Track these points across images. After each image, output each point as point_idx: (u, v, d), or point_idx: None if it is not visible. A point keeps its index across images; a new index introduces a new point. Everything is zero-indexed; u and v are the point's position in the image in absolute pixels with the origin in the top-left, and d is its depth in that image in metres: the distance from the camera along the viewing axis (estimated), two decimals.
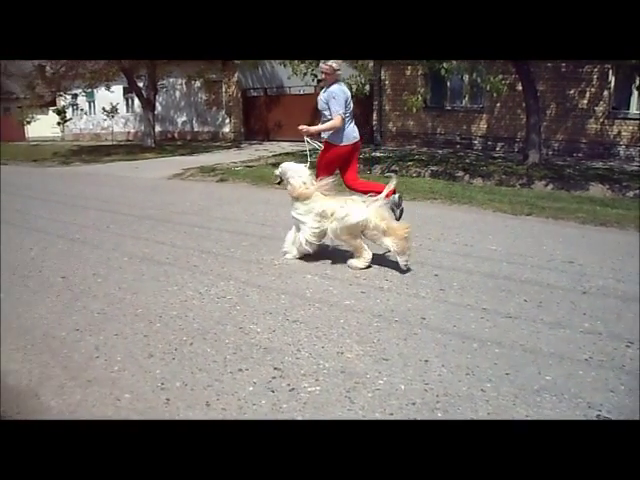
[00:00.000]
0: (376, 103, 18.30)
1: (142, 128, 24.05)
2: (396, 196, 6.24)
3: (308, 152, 6.16)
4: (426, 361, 3.20)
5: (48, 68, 22.37)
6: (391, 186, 5.28)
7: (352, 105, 6.08)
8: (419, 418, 2.65)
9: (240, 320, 3.86)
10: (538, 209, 7.62)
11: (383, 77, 18.00)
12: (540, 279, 4.62)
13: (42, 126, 32.95)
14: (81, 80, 22.69)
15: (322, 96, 6.02)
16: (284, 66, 14.31)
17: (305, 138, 6.21)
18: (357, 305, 4.06)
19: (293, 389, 2.94)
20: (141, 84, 21.21)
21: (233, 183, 10.73)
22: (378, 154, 15.06)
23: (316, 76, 14.17)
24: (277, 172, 5.61)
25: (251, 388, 2.97)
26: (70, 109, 30.27)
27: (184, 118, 26.11)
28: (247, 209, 7.80)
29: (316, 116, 19.20)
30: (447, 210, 7.87)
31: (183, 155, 17.75)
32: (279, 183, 5.63)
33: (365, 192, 5.68)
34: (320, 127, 6.15)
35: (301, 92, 21.39)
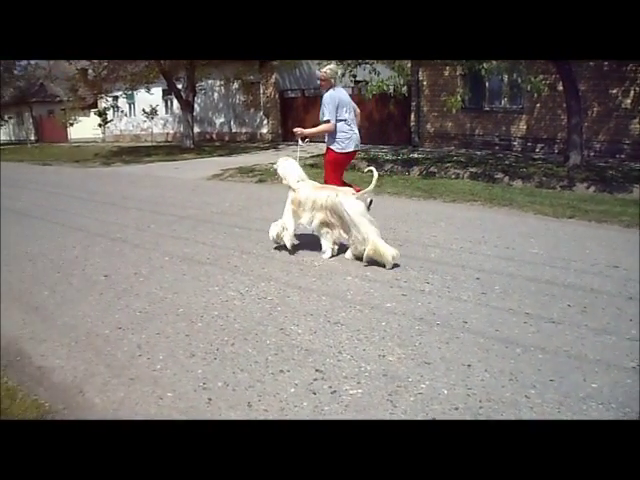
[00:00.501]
0: (414, 104, 18.17)
1: (181, 129, 24.34)
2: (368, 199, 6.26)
3: (299, 152, 6.47)
4: (469, 365, 3.16)
5: (90, 71, 22.82)
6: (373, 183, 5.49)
7: (353, 110, 6.27)
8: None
9: (281, 321, 3.88)
10: (580, 212, 7.46)
11: (421, 78, 17.87)
12: (584, 284, 4.52)
13: (84, 128, 33.63)
14: (122, 82, 23.12)
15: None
16: (317, 65, 14.30)
17: (298, 140, 6.46)
18: (398, 308, 4.04)
19: (335, 391, 2.94)
20: (180, 86, 21.45)
21: (272, 184, 10.76)
22: (416, 155, 14.95)
23: (355, 77, 14.14)
24: (275, 167, 6.11)
25: (293, 390, 2.98)
26: (111, 111, 30.80)
27: (222, 119, 26.32)
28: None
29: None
30: (487, 212, 7.77)
31: (222, 156, 17.89)
32: (279, 177, 6.05)
33: None
34: (312, 130, 6.46)
35: None
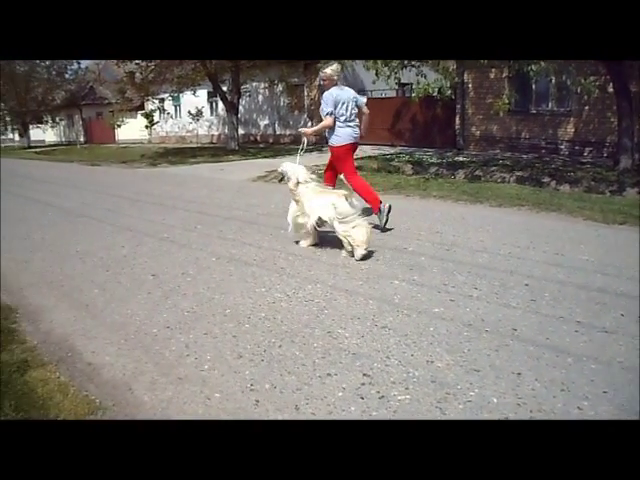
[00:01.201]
0: (459, 107, 17.99)
1: (226, 131, 24.61)
2: (385, 208, 6.56)
3: (301, 150, 6.74)
4: (518, 374, 3.10)
5: (138, 74, 23.23)
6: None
7: (351, 106, 6.52)
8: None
9: (328, 324, 3.87)
10: (632, 218, 7.25)
11: (466, 80, 17.69)
12: (637, 292, 4.38)
13: (131, 129, 34.31)
14: (168, 85, 23.48)
15: None
16: (367, 69, 14.24)
17: (303, 139, 6.78)
18: (446, 313, 3.99)
19: (383, 397, 2.92)
20: (225, 88, 21.69)
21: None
22: (461, 159, 14.80)
23: (400, 79, 14.07)
24: (279, 170, 6.34)
25: (340, 394, 2.97)
26: (157, 113, 31.30)
27: (266, 121, 26.50)
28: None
29: (397, 120, 19.13)
30: (535, 217, 7.63)
31: (266, 158, 17.99)
32: (280, 181, 6.40)
33: (360, 193, 6.54)
34: (314, 128, 7.06)
35: (382, 96, 21.30)
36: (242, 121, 24.96)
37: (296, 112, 24.95)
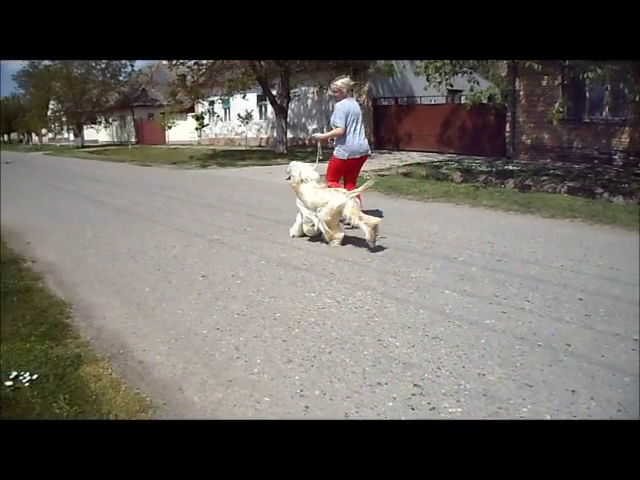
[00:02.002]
0: (509, 114, 17.70)
1: (274, 134, 24.78)
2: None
3: (319, 155, 7.45)
4: (573, 391, 3.01)
5: (189, 77, 23.59)
6: (369, 184, 6.56)
7: (360, 119, 7.00)
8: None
9: (378, 332, 3.84)
10: None
11: (517, 87, 17.39)
12: None
13: (181, 131, 34.85)
14: (219, 88, 23.76)
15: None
16: (417, 74, 14.15)
17: (318, 144, 7.55)
18: (498, 325, 3.92)
19: (434, 408, 2.88)
20: (274, 92, 21.83)
21: (365, 192, 10.72)
22: (511, 167, 14.56)
23: (452, 86, 13.95)
24: (287, 169, 6.92)
25: (391, 403, 2.95)
26: (207, 115, 31.72)
27: (315, 125, 26.54)
28: (381, 219, 7.75)
29: (446, 127, 18.97)
30: (588, 230, 7.44)
31: (314, 162, 17.98)
32: (288, 179, 6.84)
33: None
34: (326, 134, 7.46)
35: (432, 102, 21.16)
36: (291, 125, 25.07)
37: None
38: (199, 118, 31.03)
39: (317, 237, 6.57)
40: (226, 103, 30.44)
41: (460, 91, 20.64)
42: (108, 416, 2.91)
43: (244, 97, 24.77)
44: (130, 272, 5.66)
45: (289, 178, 6.79)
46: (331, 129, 7.11)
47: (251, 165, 17.15)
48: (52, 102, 47.88)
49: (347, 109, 6.88)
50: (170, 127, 33.04)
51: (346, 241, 6.44)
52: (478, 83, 13.74)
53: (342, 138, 6.92)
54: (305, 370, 3.35)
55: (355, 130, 6.94)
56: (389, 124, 22.63)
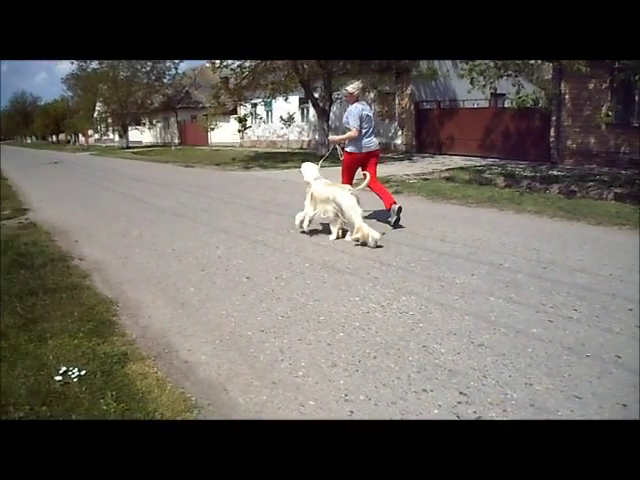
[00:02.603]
0: (554, 118, 17.39)
1: (316, 137, 24.87)
2: (396, 206, 7.47)
3: (327, 155, 8.27)
4: (624, 405, 2.93)
5: (232, 80, 23.84)
6: (365, 182, 7.01)
7: (372, 120, 7.55)
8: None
9: (423, 338, 3.81)
10: None
11: (563, 90, 17.08)
12: None
13: (223, 132, 35.25)
14: (261, 90, 23.95)
15: (345, 114, 7.62)
16: (461, 77, 14.03)
17: (334, 145, 8.07)
18: (545, 334, 3.84)
19: (480, 417, 2.84)
20: (317, 95, 21.89)
21: (408, 196, 10.68)
22: (555, 172, 14.32)
23: (496, 89, 13.81)
24: (301, 169, 7.52)
25: (436, 411, 2.92)
26: (250, 117, 32.02)
27: None
28: (424, 223, 7.74)
29: (489, 131, 18.73)
30: (637, 238, 7.24)
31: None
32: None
33: (377, 193, 7.69)
34: (342, 137, 7.86)
35: (475, 106, 20.96)
36: (332, 128, 25.06)
37: (387, 120, 24.87)
38: (241, 120, 31.45)
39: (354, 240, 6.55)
40: (268, 105, 30.74)
41: (503, 95, 20.41)
42: (154, 415, 2.95)
43: (286, 99, 24.90)
44: (174, 272, 5.73)
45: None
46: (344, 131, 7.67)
47: (293, 167, 17.06)
48: (99, 104, 49.01)
49: (360, 112, 7.35)
50: (213, 129, 33.50)
51: (390, 245, 6.42)
52: (523, 87, 13.56)
53: (355, 140, 7.45)
54: (350, 374, 3.34)
55: (367, 131, 7.47)
56: (431, 128, 22.48)
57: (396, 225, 7.49)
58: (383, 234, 6.66)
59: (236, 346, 3.84)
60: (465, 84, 15.12)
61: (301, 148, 28.83)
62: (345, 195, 6.63)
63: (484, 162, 17.72)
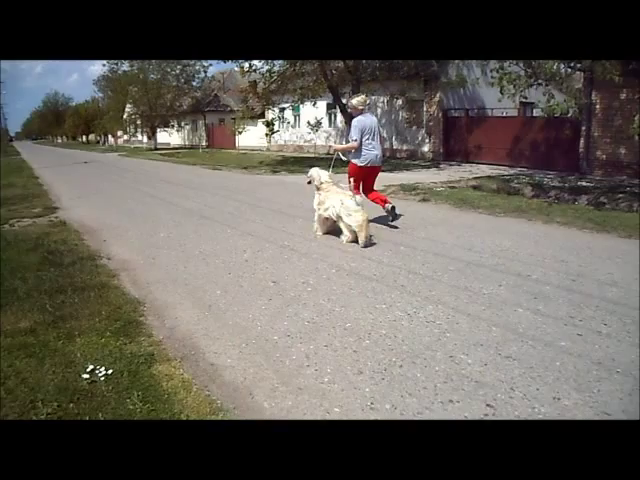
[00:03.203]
0: (584, 128, 17.16)
1: (343, 143, 24.83)
2: (389, 206, 7.90)
3: (333, 162, 8.35)
4: None
5: (261, 84, 23.96)
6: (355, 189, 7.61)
7: (375, 133, 7.79)
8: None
9: (450, 348, 3.79)
10: None
11: (594, 100, 16.85)
12: None
13: (251, 136, 35.37)
14: (289, 95, 24.04)
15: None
16: (491, 85, 13.89)
17: (337, 153, 8.51)
18: (573, 348, 3.78)
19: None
20: (345, 100, 21.89)
21: (435, 204, 10.62)
22: (584, 183, 14.13)
23: (526, 98, 13.68)
24: (308, 175, 7.89)
25: None
26: (277, 121, 32.14)
27: (384, 135, 26.47)
28: (451, 232, 7.69)
29: (517, 140, 18.58)
30: None
31: (383, 171, 17.88)
32: (309, 183, 7.81)
33: (372, 200, 8.07)
34: (343, 147, 8.61)
35: (504, 114, 20.80)
36: None
37: (414, 127, 24.78)
38: (269, 124, 31.56)
39: (384, 247, 6.51)
40: (296, 110, 30.81)
41: (532, 103, 20.21)
42: (180, 416, 2.97)
43: (314, 104, 25.01)
44: (202, 274, 5.77)
45: (310, 182, 7.76)
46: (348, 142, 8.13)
47: None
48: (128, 105, 49.58)
49: (362, 125, 7.69)
50: (241, 132, 33.64)
51: (417, 253, 6.40)
52: (553, 96, 13.40)
53: (357, 151, 7.78)
54: (376, 383, 3.33)
55: (370, 143, 7.76)
56: (459, 135, 22.35)
57: (393, 220, 8.04)
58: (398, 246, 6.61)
59: (262, 350, 3.85)
60: (494, 92, 14.94)
61: (327, 153, 28.78)
62: (345, 199, 7.06)
63: (512, 171, 17.57)
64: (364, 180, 8.07)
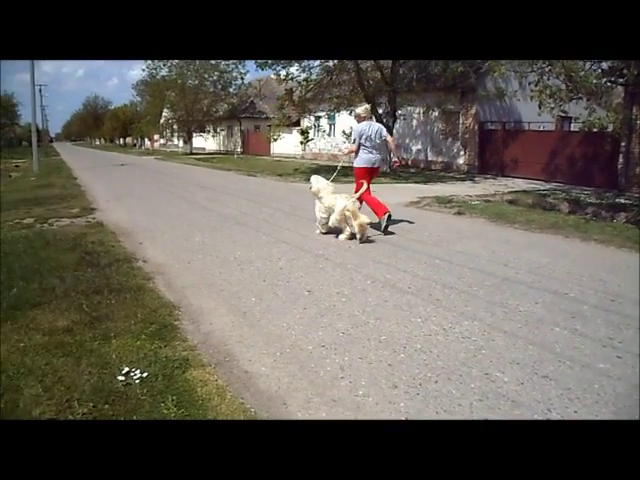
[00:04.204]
0: (623, 144, 16.84)
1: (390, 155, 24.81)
2: (385, 216, 8.36)
3: (338, 168, 9.69)
4: None
5: (297, 92, 24.07)
6: (362, 190, 8.27)
7: (375, 138, 8.57)
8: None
9: (486, 365, 3.73)
10: None
11: (635, 115, 16.53)
12: None
13: (285, 144, 35.57)
14: (326, 104, 24.11)
15: None
16: (531, 99, 13.73)
17: (343, 158, 9.42)
18: (613, 371, 3.70)
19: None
20: (381, 111, 21.88)
21: (470, 217, 10.52)
22: (622, 200, 13.88)
23: (565, 113, 13.52)
24: (310, 180, 8.61)
25: None
26: (312, 130, 32.25)
27: (419, 146, 26.41)
28: (487, 246, 7.61)
29: (554, 154, 18.34)
30: None
31: (417, 183, 17.85)
32: (311, 188, 8.43)
33: (369, 204, 8.58)
34: (346, 152, 9.68)
35: (541, 128, 20.59)
36: (395, 145, 25.01)
37: (449, 139, 24.67)
38: (304, 132, 31.71)
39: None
40: (332, 119, 30.85)
41: (570, 118, 19.97)
42: None
43: (350, 114, 24.96)
44: (236, 280, 5.79)
45: (311, 188, 8.41)
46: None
47: (354, 182, 17.08)
48: (165, 110, 50.31)
49: (361, 131, 8.59)
50: (276, 139, 33.83)
51: (452, 267, 6.36)
52: (594, 110, 13.23)
53: (357, 154, 8.70)
54: (411, 398, 3.30)
55: (367, 147, 8.60)
56: (495, 149, 22.17)
57: (386, 231, 8.47)
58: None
59: (296, 360, 3.84)
60: (531, 105, 14.82)
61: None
62: (340, 201, 7.89)
63: (547, 186, 17.35)
64: (367, 180, 8.59)
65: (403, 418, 3.06)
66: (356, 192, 8.38)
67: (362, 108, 8.92)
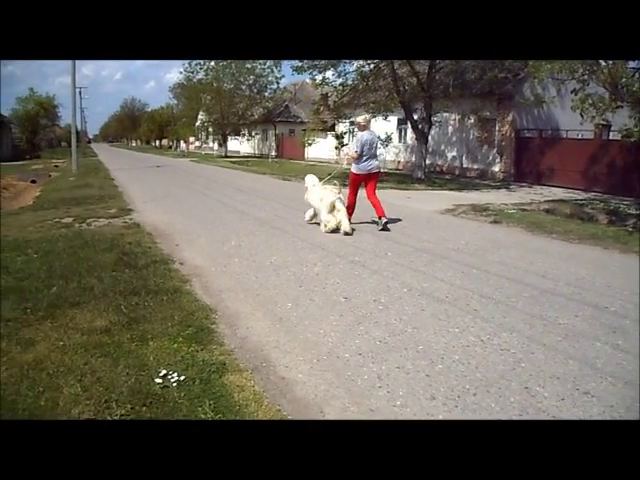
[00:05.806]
0: None
1: (413, 159, 24.73)
2: (383, 220, 9.26)
3: (334, 173, 10.67)
4: None
5: (332, 97, 24.08)
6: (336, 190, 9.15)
7: (373, 147, 9.30)
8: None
9: (525, 379, 3.68)
10: None
11: None
12: None
13: (320, 148, 35.58)
14: (361, 109, 24.07)
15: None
16: (572, 110, 13.45)
17: (339, 167, 10.80)
18: None
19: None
20: (416, 117, 21.79)
21: (507, 226, 10.38)
22: None
23: (608, 122, 13.23)
24: (305, 178, 10.07)
25: None
26: (347, 135, 32.24)
27: (454, 153, 26.22)
28: (524, 257, 7.51)
29: (593, 163, 18.03)
30: None
31: (452, 190, 17.69)
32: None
33: (372, 203, 9.48)
34: (346, 157, 10.53)
35: (579, 136, 20.25)
36: (429, 151, 24.84)
37: (485, 147, 24.43)
38: (339, 137, 31.68)
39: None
40: None
41: (610, 126, 19.60)
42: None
43: (386, 119, 24.92)
44: (273, 285, 5.82)
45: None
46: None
47: (389, 188, 17.01)
48: (201, 113, 50.83)
49: (364, 140, 9.21)
50: (310, 144, 33.88)
51: (490, 277, 6.30)
52: (638, 119, 12.93)
53: (357, 161, 9.32)
54: (449, 410, 3.27)
55: (368, 155, 9.27)
56: (531, 157, 21.89)
57: (385, 227, 9.27)
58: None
59: (333, 367, 3.84)
60: (568, 113, 14.53)
61: (396, 169, 28.69)
62: (327, 195, 8.93)
63: (585, 195, 17.06)
64: (366, 184, 9.53)
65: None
66: (348, 196, 9.51)
67: (362, 117, 9.70)
